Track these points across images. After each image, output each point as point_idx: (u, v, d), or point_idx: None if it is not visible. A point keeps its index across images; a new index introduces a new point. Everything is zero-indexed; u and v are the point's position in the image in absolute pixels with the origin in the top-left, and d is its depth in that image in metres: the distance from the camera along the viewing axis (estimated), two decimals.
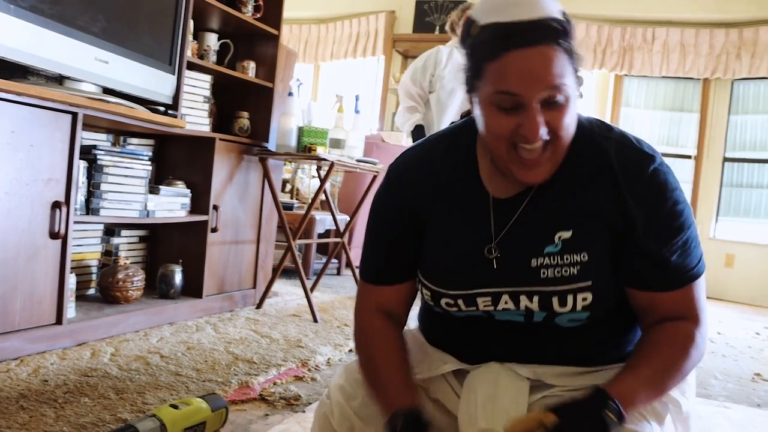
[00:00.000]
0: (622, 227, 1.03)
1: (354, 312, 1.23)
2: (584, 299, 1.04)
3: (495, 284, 1.07)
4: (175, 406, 1.27)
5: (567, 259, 1.04)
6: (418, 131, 3.90)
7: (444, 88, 3.82)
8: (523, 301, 1.07)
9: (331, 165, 3.20)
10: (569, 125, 0.99)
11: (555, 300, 1.05)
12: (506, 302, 1.08)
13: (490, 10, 0.98)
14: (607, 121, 4.96)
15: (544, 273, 1.05)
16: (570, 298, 1.04)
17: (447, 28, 3.94)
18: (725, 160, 5.77)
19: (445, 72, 3.82)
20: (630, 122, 6.07)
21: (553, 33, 0.95)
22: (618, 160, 1.04)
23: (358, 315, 1.22)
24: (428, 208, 1.13)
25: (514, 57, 0.94)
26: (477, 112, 1.03)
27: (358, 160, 3.49)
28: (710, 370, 2.82)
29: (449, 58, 3.84)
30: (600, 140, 1.06)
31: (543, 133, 0.95)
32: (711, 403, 2.35)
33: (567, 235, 1.05)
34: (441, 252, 1.12)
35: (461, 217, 1.12)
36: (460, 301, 1.10)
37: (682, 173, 5.84)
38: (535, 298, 1.06)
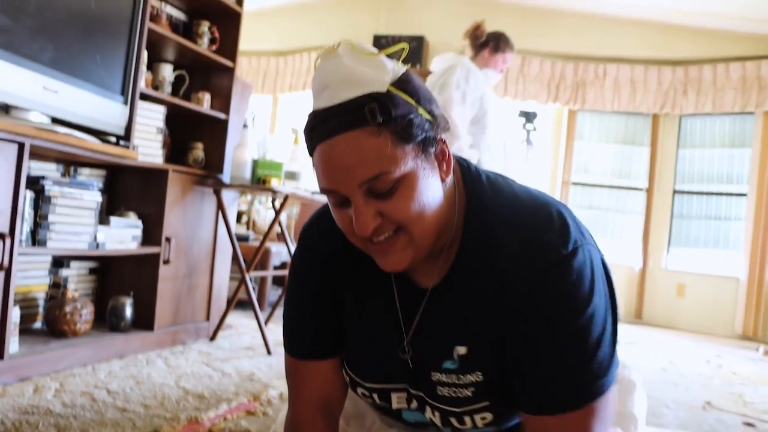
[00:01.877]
0: (512, 340, 0.90)
1: (288, 398, 1.12)
2: (483, 418, 0.97)
3: (408, 380, 1.02)
4: None
5: (461, 379, 0.95)
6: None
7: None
8: (428, 412, 1.02)
9: (286, 197, 3.19)
10: (417, 209, 0.86)
11: (453, 419, 0.99)
12: (416, 406, 1.03)
13: (313, 94, 0.90)
14: (561, 154, 5.03)
15: (440, 391, 0.98)
16: (468, 419, 0.98)
17: (465, 35, 3.66)
18: (675, 192, 5.93)
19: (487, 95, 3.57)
20: (584, 155, 6.20)
21: (362, 115, 0.82)
22: (514, 258, 0.89)
23: (293, 406, 1.11)
24: (341, 277, 1.06)
25: (320, 151, 0.86)
26: None
27: (314, 192, 3.49)
28: (662, 399, 2.85)
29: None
30: (501, 232, 0.91)
31: (372, 225, 0.85)
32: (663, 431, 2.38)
33: (463, 350, 0.95)
34: (355, 339, 1.06)
35: (372, 302, 1.03)
36: (374, 395, 1.05)
37: (634, 205, 5.99)
38: (437, 414, 1.00)
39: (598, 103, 5.95)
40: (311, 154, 0.89)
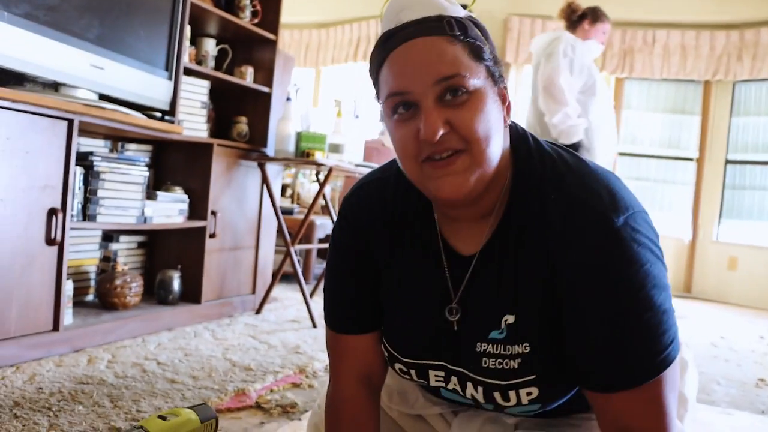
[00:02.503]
0: (570, 314, 0.88)
1: (329, 371, 1.11)
2: (529, 394, 0.93)
3: (447, 358, 0.98)
4: (163, 417, 1.25)
5: (509, 349, 0.92)
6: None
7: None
8: (469, 388, 0.98)
9: (330, 170, 3.19)
10: (484, 128, 0.85)
11: (497, 395, 0.95)
12: (455, 384, 1.00)
13: (387, 17, 0.92)
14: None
15: (485, 362, 0.94)
16: (512, 394, 0.94)
17: (559, 16, 3.70)
18: (727, 162, 5.74)
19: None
20: (631, 125, 6.05)
21: (441, 26, 0.86)
22: (562, 226, 0.87)
23: (334, 379, 1.09)
24: (383, 246, 1.03)
25: (395, 54, 0.87)
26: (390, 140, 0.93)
27: (357, 165, 3.48)
28: (713, 375, 2.80)
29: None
30: (548, 193, 0.90)
31: (440, 130, 0.83)
32: (714, 409, 2.33)
33: (511, 319, 0.92)
34: (396, 311, 1.03)
35: (417, 270, 1.00)
36: (412, 371, 1.03)
37: (684, 175, 5.83)
38: (480, 389, 0.97)
39: (647, 71, 5.78)
40: (379, 68, 0.90)
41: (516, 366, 0.92)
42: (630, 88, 6.08)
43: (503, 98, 0.91)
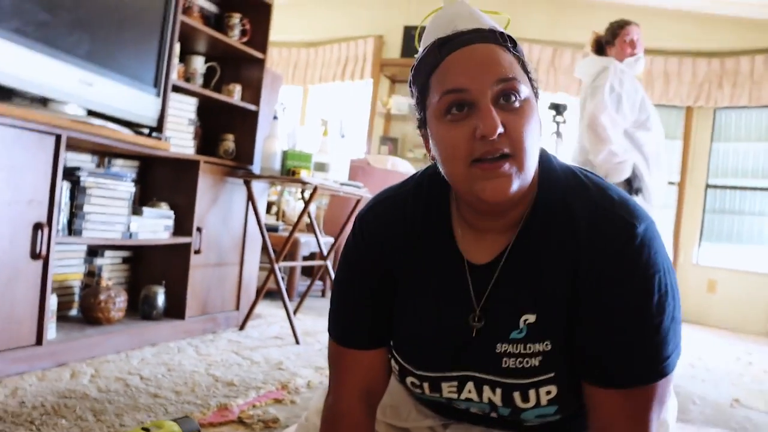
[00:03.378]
0: (588, 312, 0.92)
1: (329, 384, 1.11)
2: (548, 392, 0.95)
3: (465, 364, 0.99)
4: (147, 429, 1.27)
5: (530, 348, 0.95)
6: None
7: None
8: (486, 392, 0.99)
9: (315, 188, 3.22)
10: (529, 137, 0.88)
11: (517, 395, 0.96)
12: (470, 391, 1.00)
13: (431, 31, 0.96)
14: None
15: (505, 362, 0.96)
16: (532, 394, 0.95)
17: (590, 49, 3.52)
18: (708, 186, 5.84)
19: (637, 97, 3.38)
20: None
21: (495, 37, 0.91)
22: (587, 231, 0.91)
23: (334, 393, 1.09)
24: (400, 265, 1.04)
25: (456, 55, 0.90)
26: (432, 146, 0.95)
27: (342, 184, 3.52)
28: (689, 395, 2.83)
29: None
30: (572, 201, 0.94)
31: (499, 127, 0.85)
32: (688, 428, 2.36)
33: (532, 318, 0.95)
34: (413, 324, 1.03)
35: (437, 282, 1.01)
36: (425, 385, 1.03)
37: (665, 199, 5.89)
38: (498, 391, 0.98)
39: None
40: (432, 71, 0.92)
41: (537, 363, 0.94)
42: None
43: (539, 117, 0.95)
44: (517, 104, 0.88)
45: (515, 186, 0.87)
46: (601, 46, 3.47)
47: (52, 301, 2.34)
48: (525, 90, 0.89)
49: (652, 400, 0.89)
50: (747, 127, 5.75)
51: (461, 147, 0.88)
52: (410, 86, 0.99)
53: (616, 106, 3.25)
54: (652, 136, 3.38)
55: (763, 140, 5.68)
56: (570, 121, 5.56)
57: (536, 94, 0.94)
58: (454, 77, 0.88)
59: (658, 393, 0.89)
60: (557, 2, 6.01)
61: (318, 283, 4.96)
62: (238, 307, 3.48)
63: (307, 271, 5.18)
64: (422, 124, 0.97)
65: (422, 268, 1.02)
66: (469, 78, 0.87)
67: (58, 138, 2.25)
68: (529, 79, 0.93)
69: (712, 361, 3.80)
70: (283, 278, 4.44)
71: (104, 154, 2.95)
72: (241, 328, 3.38)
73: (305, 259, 4.74)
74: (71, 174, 2.53)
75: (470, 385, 0.99)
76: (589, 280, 0.90)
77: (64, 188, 2.43)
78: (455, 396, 1.02)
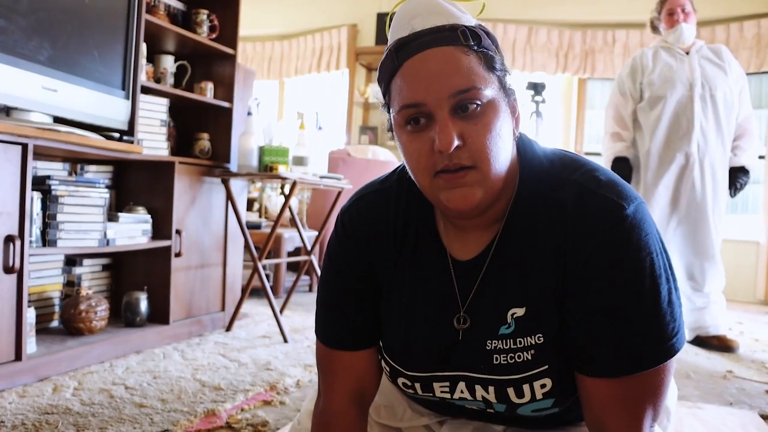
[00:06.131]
0: (577, 300, 0.88)
1: (319, 387, 1.09)
2: (543, 386, 0.92)
3: (455, 365, 0.97)
4: None
5: (520, 342, 0.92)
6: (618, 165, 3.44)
7: (653, 96, 3.34)
8: (479, 391, 0.96)
9: (294, 183, 3.17)
10: (492, 144, 0.85)
11: (511, 391, 0.93)
12: (462, 390, 0.98)
13: (393, 28, 0.92)
14: (572, 125, 4.97)
15: (496, 359, 0.93)
16: (527, 388, 0.92)
17: (648, 28, 3.56)
18: None
19: (654, 77, 3.33)
20: (596, 125, 6.11)
21: (455, 35, 0.86)
22: (574, 216, 0.88)
23: (325, 396, 1.06)
24: (384, 261, 1.02)
25: (410, 64, 0.86)
26: (400, 152, 0.92)
27: (322, 177, 3.47)
28: (683, 369, 2.82)
29: (656, 60, 3.36)
30: (557, 187, 0.91)
31: (455, 141, 0.83)
32: (684, 404, 2.35)
33: (520, 312, 0.92)
34: (400, 324, 1.01)
35: (423, 279, 0.99)
36: (417, 385, 1.01)
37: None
38: (491, 389, 0.95)
39: (609, 71, 5.84)
40: (391, 77, 0.89)
41: (530, 357, 0.91)
42: (593, 88, 6.16)
43: (513, 110, 0.91)
44: (478, 110, 0.85)
45: (479, 194, 0.86)
46: (655, 27, 3.52)
47: (30, 315, 2.29)
48: (488, 93, 0.85)
49: (645, 390, 0.85)
50: None
51: (423, 159, 0.87)
52: (379, 84, 0.96)
53: (618, 90, 3.49)
54: (663, 113, 3.34)
55: None
56: (549, 99, 5.53)
57: (505, 88, 0.90)
58: (410, 92, 0.86)
59: (654, 382, 0.85)
60: None
61: (305, 278, 4.92)
62: (223, 308, 3.44)
63: (293, 267, 5.14)
64: (391, 127, 0.94)
65: (406, 264, 1.00)
66: (424, 91, 0.84)
67: (24, 147, 2.19)
68: (498, 75, 0.88)
69: None
70: (268, 275, 4.40)
71: (76, 160, 2.88)
72: (228, 329, 3.34)
73: (290, 254, 4.70)
74: (42, 183, 2.47)
75: (462, 385, 0.97)
76: (579, 267, 0.87)
77: (34, 198, 2.37)
78: (448, 396, 1.00)
